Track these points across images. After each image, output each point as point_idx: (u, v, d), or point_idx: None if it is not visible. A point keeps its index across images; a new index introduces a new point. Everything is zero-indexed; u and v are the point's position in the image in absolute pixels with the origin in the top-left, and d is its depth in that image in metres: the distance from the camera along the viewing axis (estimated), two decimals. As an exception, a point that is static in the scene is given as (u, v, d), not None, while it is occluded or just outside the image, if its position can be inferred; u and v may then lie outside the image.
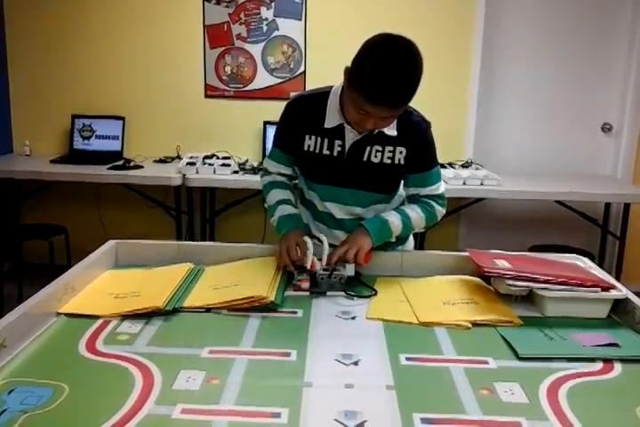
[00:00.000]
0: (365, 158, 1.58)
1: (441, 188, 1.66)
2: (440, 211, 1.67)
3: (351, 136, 1.55)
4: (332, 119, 1.55)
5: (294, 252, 1.49)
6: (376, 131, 1.52)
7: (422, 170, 1.62)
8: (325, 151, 1.59)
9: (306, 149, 1.61)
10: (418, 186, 1.64)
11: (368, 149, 1.56)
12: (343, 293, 1.46)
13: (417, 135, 1.57)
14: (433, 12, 3.65)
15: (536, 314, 1.37)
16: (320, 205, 1.69)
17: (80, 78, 3.83)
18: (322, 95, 1.58)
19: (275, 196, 1.69)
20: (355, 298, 1.44)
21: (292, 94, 1.67)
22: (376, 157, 1.57)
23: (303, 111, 1.59)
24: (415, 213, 1.62)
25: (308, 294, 1.46)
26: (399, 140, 1.56)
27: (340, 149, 1.58)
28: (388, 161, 1.58)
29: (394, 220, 1.59)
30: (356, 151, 1.57)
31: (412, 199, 1.68)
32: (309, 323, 1.29)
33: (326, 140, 1.58)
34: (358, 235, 1.55)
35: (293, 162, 1.70)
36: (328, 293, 1.46)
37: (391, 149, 1.57)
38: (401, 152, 1.57)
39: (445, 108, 3.68)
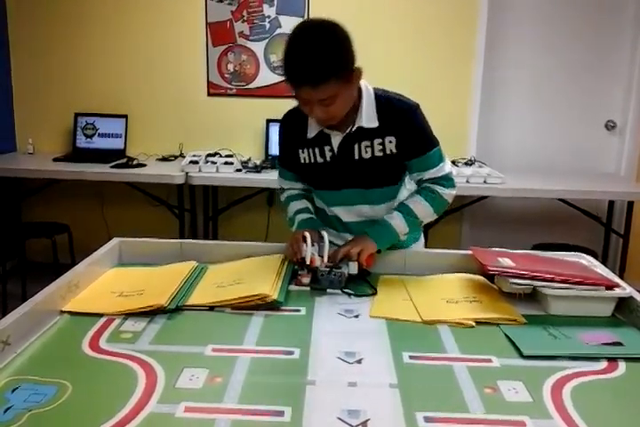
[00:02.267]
0: (357, 157, 1.57)
1: (445, 168, 1.62)
2: (447, 193, 1.62)
3: (337, 139, 1.57)
4: (312, 129, 1.58)
5: (294, 246, 1.51)
6: (355, 128, 1.53)
7: (420, 154, 1.58)
8: (319, 160, 1.61)
9: (302, 161, 1.64)
10: (420, 170, 1.62)
11: (356, 146, 1.56)
12: (340, 290, 1.46)
13: (403, 121, 1.54)
14: (435, 10, 3.64)
15: (540, 312, 1.37)
16: (328, 211, 1.72)
17: (83, 76, 3.83)
18: None
19: (292, 208, 1.73)
20: (352, 296, 1.44)
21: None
22: (367, 152, 1.57)
23: (290, 127, 1.64)
24: (418, 204, 1.61)
25: (310, 291, 1.46)
26: (385, 130, 1.54)
27: (331, 153, 1.59)
28: (380, 153, 1.57)
29: (395, 221, 1.59)
30: (346, 152, 1.57)
31: (417, 186, 1.67)
32: (312, 321, 1.29)
33: (317, 150, 1.60)
34: (362, 237, 1.56)
35: (300, 176, 1.73)
36: (328, 290, 1.46)
37: (380, 141, 1.56)
38: (390, 142, 1.55)
39: (448, 106, 3.68)
